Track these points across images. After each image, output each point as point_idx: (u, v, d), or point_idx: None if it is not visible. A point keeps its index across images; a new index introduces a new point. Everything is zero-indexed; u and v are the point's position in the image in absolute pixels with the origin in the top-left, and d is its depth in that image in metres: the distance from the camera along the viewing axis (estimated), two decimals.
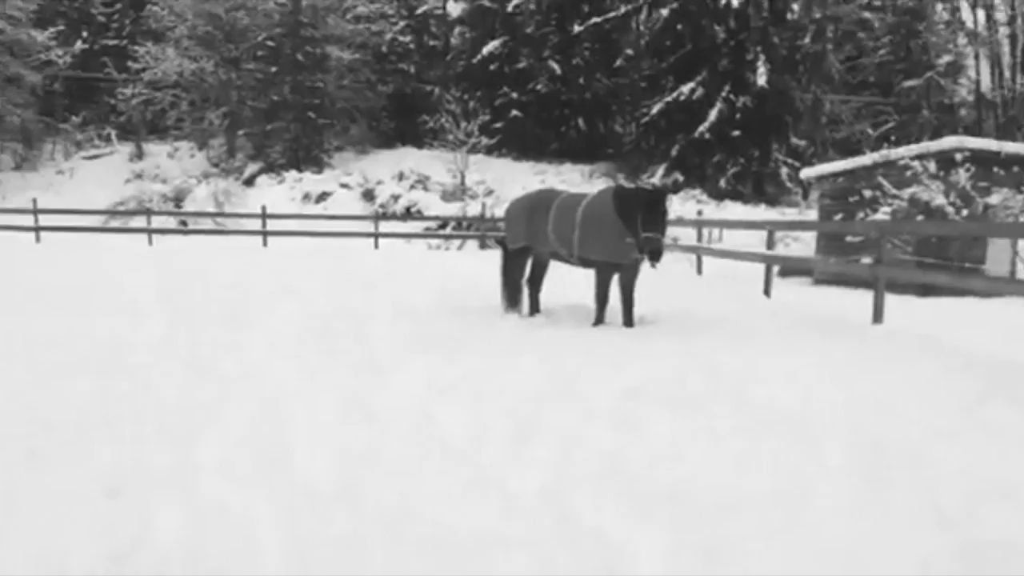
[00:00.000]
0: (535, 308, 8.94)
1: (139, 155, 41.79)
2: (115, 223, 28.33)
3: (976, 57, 49.61)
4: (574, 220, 8.06)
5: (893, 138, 23.56)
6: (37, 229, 22.48)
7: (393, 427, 4.16)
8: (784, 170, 36.97)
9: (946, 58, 47.33)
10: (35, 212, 22.69)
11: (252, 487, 3.25)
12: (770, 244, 11.81)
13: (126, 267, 13.37)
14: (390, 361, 5.88)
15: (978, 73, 49.53)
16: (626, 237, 7.65)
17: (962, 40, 49.42)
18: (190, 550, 2.67)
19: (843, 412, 4.49)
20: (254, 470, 3.46)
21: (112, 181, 37.63)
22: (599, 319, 8.07)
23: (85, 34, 45.86)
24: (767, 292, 11.48)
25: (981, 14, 48.13)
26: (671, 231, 19.14)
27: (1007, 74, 48.94)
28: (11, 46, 38.46)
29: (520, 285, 8.89)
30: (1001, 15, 46.46)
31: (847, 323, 8.35)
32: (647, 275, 8.28)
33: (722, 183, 36.52)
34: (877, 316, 8.49)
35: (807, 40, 39.56)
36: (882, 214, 14.27)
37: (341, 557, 2.64)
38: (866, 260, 9.99)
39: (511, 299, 8.86)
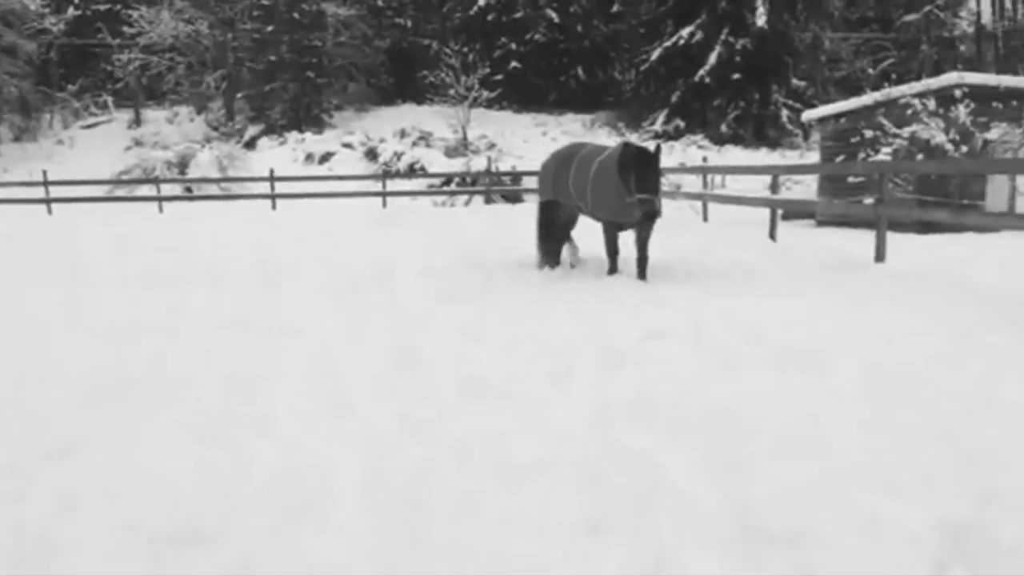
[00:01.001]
0: (556, 261, 9.05)
1: (137, 121, 41.78)
2: (121, 191, 28.55)
3: None
4: (588, 176, 8.17)
5: (894, 76, 23.62)
6: (48, 201, 22.76)
7: (440, 372, 4.54)
8: (785, 112, 36.98)
9: None
10: (45, 184, 22.94)
11: (325, 430, 3.65)
12: (774, 188, 12.11)
13: (151, 239, 13.68)
14: (425, 313, 6.27)
15: (979, 5, 48.98)
16: (627, 197, 7.69)
17: None
18: (281, 482, 3.07)
19: (851, 344, 4.86)
20: (325, 415, 3.86)
21: (112, 149, 37.70)
22: (612, 269, 8.23)
23: (77, 0, 45.41)
24: (772, 236, 11.81)
25: None
26: (676, 178, 19.42)
27: (1008, 4, 48.47)
28: (4, 15, 38.14)
29: (553, 239, 8.98)
30: None
31: (851, 263, 8.70)
32: (656, 223, 8.49)
33: (723, 128, 36.59)
34: (879, 255, 8.83)
35: None
36: (883, 154, 14.50)
37: (416, 480, 3.02)
38: (868, 201, 10.28)
39: (546, 253, 8.98)
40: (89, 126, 42.85)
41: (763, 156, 34.43)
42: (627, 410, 3.79)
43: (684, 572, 2.37)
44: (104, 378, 4.49)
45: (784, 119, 36.99)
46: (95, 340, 5.53)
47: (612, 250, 8.30)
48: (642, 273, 8.05)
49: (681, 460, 3.18)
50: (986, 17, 48.92)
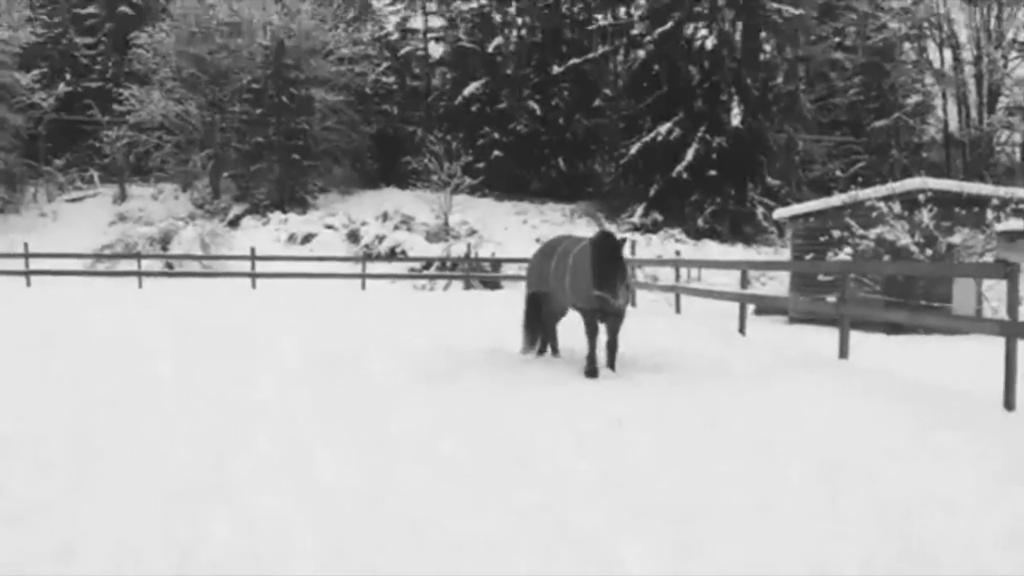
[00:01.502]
0: (542, 349, 9.15)
1: (123, 197, 42.04)
2: (102, 266, 28.61)
3: (943, 97, 50.97)
4: (566, 265, 8.21)
5: (860, 179, 24.39)
6: (27, 273, 22.78)
7: (404, 450, 4.65)
8: (760, 209, 37.95)
9: (914, 98, 48.86)
10: (26, 256, 23.00)
11: (289, 496, 3.73)
12: (744, 283, 12.44)
13: (133, 314, 13.74)
14: (395, 393, 6.38)
15: (945, 113, 50.92)
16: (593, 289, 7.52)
17: (929, 80, 50.86)
18: (242, 547, 3.14)
19: (808, 438, 5.02)
20: (290, 483, 3.95)
21: (96, 223, 37.83)
22: (590, 354, 7.92)
23: (68, 76, 46.03)
24: (742, 330, 12.06)
25: (948, 53, 49.60)
26: (652, 270, 19.81)
27: (973, 113, 50.46)
28: None
29: (537, 327, 9.04)
30: (967, 54, 47.93)
31: (815, 359, 8.93)
32: (629, 312, 8.72)
33: (700, 222, 37.40)
34: (843, 352, 9.08)
35: (780, 80, 40.88)
36: (844, 254, 14.96)
37: (370, 561, 3.10)
38: (831, 299, 10.61)
39: (528, 341, 9.08)
40: (74, 200, 43.03)
41: (739, 251, 35.16)
42: (586, 494, 3.90)
43: None
44: (73, 447, 4.55)
45: (759, 216, 37.93)
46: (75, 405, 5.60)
47: (590, 334, 8.06)
48: (611, 362, 7.97)
49: (634, 543, 3.29)
50: (953, 125, 50.84)
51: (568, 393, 6.61)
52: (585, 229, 38.42)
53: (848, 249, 15.06)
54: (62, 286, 22.15)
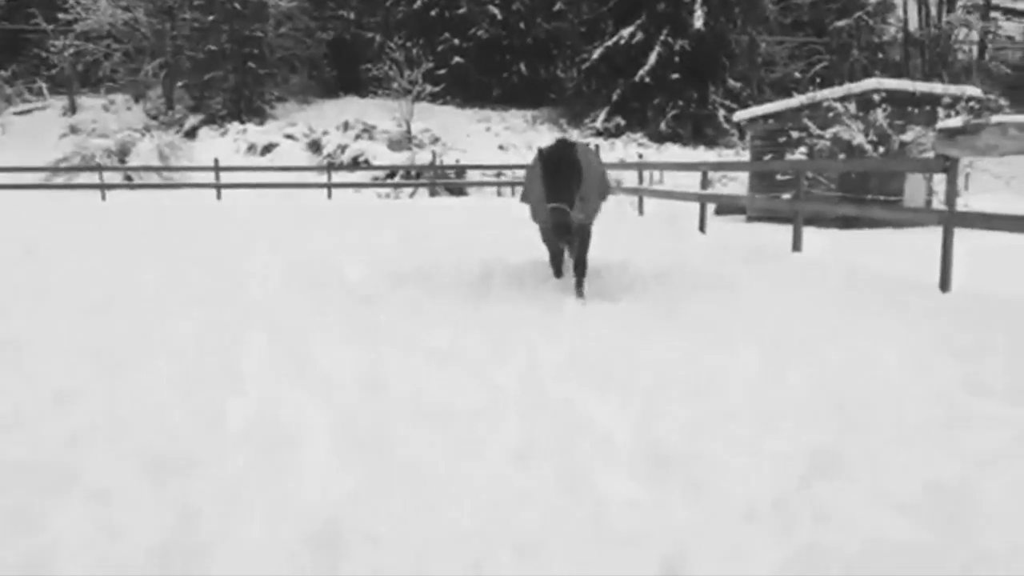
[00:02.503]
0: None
1: (73, 109, 41.00)
2: (59, 179, 28.19)
3: None
4: (530, 179, 7.68)
5: (820, 80, 24.70)
6: None
7: (390, 342, 5.05)
8: (721, 112, 38.14)
9: None
10: None
11: (296, 381, 4.14)
12: (704, 184, 12.85)
13: (110, 225, 13.82)
14: (375, 293, 6.76)
15: (906, 12, 50.80)
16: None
17: None
18: (264, 418, 3.56)
19: (754, 320, 5.50)
20: (295, 371, 4.35)
21: (47, 136, 36.95)
22: (556, 274, 7.77)
23: None
24: (702, 228, 12.53)
25: None
26: (616, 174, 20.12)
27: (933, 12, 50.51)
28: None
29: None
30: None
31: (770, 252, 9.42)
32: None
33: (662, 126, 37.58)
34: (796, 245, 9.59)
35: None
36: (799, 154, 15.39)
37: (373, 433, 3.52)
38: (786, 196, 11.06)
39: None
40: (22, 112, 41.89)
41: (701, 154, 35.53)
42: (558, 368, 4.36)
43: (599, 488, 2.92)
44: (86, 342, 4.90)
45: (721, 119, 38.14)
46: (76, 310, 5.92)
47: (551, 256, 7.79)
48: (579, 284, 7.09)
49: (603, 407, 3.75)
50: (913, 24, 50.85)
51: (537, 292, 7.03)
52: (547, 135, 38.39)
53: (803, 149, 15.48)
54: (22, 199, 21.90)
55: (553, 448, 3.28)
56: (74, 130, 37.22)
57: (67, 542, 2.50)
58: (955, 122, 7.19)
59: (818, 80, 23.87)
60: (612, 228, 11.90)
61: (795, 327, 5.34)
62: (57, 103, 41.89)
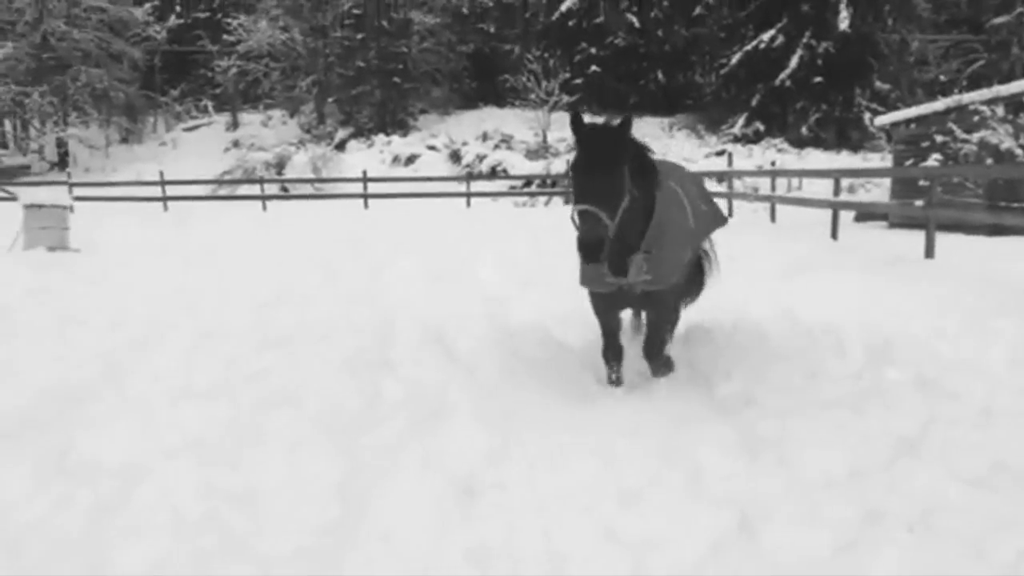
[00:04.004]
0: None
1: (235, 124, 44.30)
2: (223, 190, 30.60)
3: None
4: None
5: (976, 80, 23.66)
6: (165, 199, 24.82)
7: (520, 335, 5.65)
8: (868, 115, 36.85)
9: None
10: (162, 184, 25.00)
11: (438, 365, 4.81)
12: (836, 190, 12.80)
13: (279, 233, 15.31)
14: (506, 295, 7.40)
15: None
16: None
17: None
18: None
19: (866, 321, 5.74)
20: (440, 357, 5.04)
21: (212, 150, 40.10)
22: (609, 369, 4.85)
23: (179, 8, 48.16)
24: (834, 235, 12.51)
25: None
26: (751, 181, 19.96)
27: None
28: (113, 24, 40.77)
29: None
30: None
31: (899, 258, 9.42)
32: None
33: (804, 131, 36.71)
34: (929, 252, 9.53)
35: None
36: (932, 159, 14.95)
37: (507, 407, 4.10)
38: (919, 203, 10.91)
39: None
40: (190, 128, 45.59)
41: (844, 159, 34.48)
42: None
43: None
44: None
45: (867, 122, 36.86)
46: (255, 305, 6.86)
47: (604, 334, 4.83)
48: (653, 364, 4.82)
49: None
50: None
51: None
52: (685, 142, 38.30)
53: (937, 155, 15.04)
54: (194, 209, 24.05)
55: None
56: (236, 144, 40.18)
57: (268, 483, 3.20)
58: None
59: (975, 81, 22.89)
60: (739, 235, 12.11)
61: (907, 327, 5.55)
62: (221, 119, 45.38)
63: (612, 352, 4.75)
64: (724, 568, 2.59)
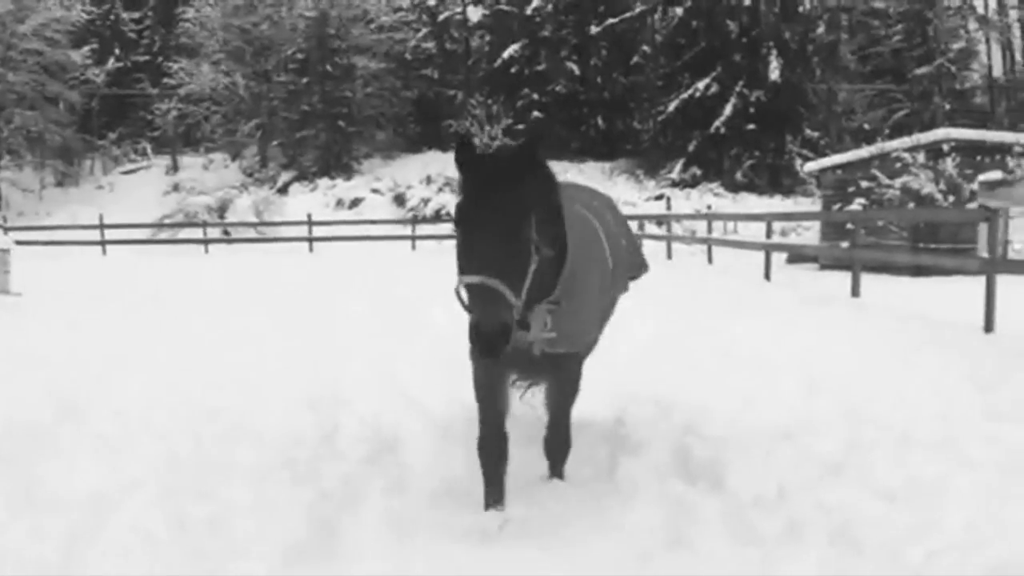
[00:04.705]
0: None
1: (175, 167, 43.83)
2: (164, 234, 30.28)
3: (987, 42, 50.17)
4: None
5: (900, 128, 24.92)
6: (103, 243, 24.51)
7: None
8: (799, 161, 38.24)
9: (958, 44, 48.08)
10: (101, 227, 24.69)
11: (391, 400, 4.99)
12: (768, 233, 13.42)
13: (219, 275, 15.22)
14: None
15: (989, 59, 50.21)
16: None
17: (973, 25, 50.00)
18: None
19: (796, 355, 6.12)
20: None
21: (151, 194, 39.58)
22: (485, 469, 3.50)
23: (118, 51, 47.55)
24: (767, 276, 13.07)
25: None
26: (689, 224, 20.60)
27: (1018, 57, 49.78)
28: (49, 67, 40.14)
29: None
30: None
31: (828, 297, 9.95)
32: (657, 265, 9.69)
33: (739, 175, 37.91)
34: (855, 292, 10.09)
35: (820, 31, 40.91)
36: (856, 204, 15.80)
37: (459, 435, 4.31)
38: (844, 244, 11.54)
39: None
40: (128, 172, 44.97)
41: (778, 203, 35.68)
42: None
43: None
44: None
45: (798, 168, 38.27)
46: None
47: (481, 417, 3.56)
48: (557, 463, 3.78)
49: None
50: (997, 70, 50.16)
51: None
52: (624, 186, 39.19)
53: (860, 200, 15.89)
54: (134, 254, 23.77)
55: None
56: (176, 188, 39.78)
57: (236, 507, 3.36)
58: (995, 175, 7.71)
59: (897, 129, 24.12)
60: (678, 275, 12.57)
61: (832, 363, 5.93)
62: (160, 163, 44.87)
63: (494, 448, 3.41)
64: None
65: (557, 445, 3.69)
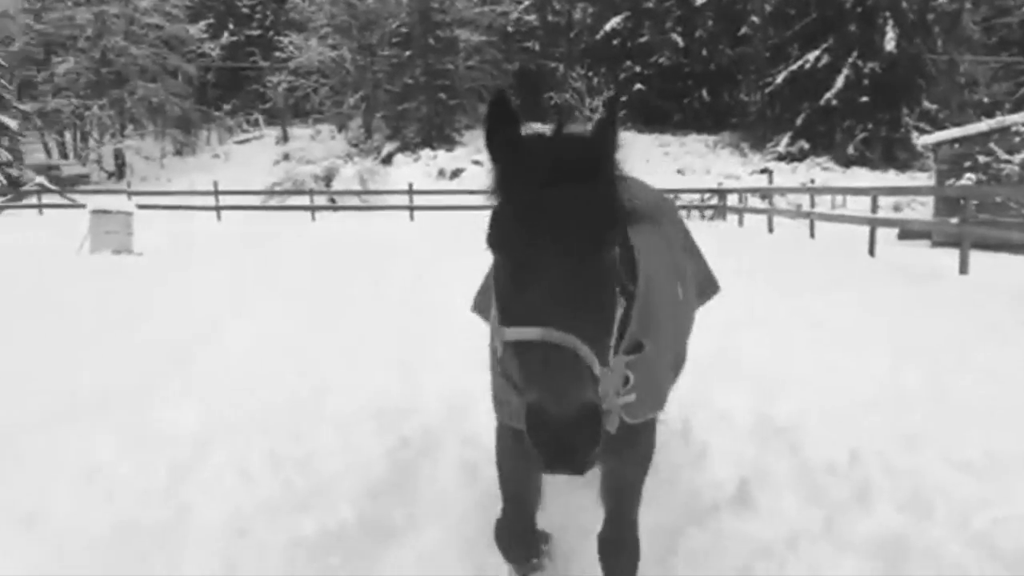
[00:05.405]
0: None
1: (285, 138, 45.40)
2: (273, 201, 31.36)
3: None
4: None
5: (1009, 105, 23.55)
6: (218, 208, 25.66)
7: None
8: (915, 135, 36.62)
9: None
10: (216, 193, 25.86)
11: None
12: (874, 208, 12.95)
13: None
14: None
15: None
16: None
17: None
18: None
19: (889, 329, 5.99)
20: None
21: (262, 163, 41.07)
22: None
23: (232, 26, 49.55)
24: (871, 251, 12.65)
25: None
26: (794, 198, 19.99)
27: None
28: (168, 40, 42.23)
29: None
30: None
31: (932, 274, 9.58)
32: (745, 233, 9.52)
33: (850, 149, 36.56)
34: (963, 268, 9.67)
35: (941, 0, 38.82)
36: (966, 179, 15.04)
37: None
38: (953, 220, 11.04)
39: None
40: (241, 142, 46.85)
41: (891, 178, 34.30)
42: None
43: None
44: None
45: (914, 141, 36.62)
46: None
47: (506, 504, 2.57)
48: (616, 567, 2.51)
49: None
50: None
51: None
52: (728, 159, 38.37)
53: (970, 175, 15.13)
54: (246, 219, 24.80)
55: None
56: (286, 157, 41.13)
57: (325, 449, 3.60)
58: None
59: (1007, 105, 22.80)
60: (777, 251, 12.31)
61: (922, 335, 5.80)
62: (271, 133, 46.57)
63: (521, 537, 2.50)
64: None
65: (620, 551, 2.48)
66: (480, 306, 2.98)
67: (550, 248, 1.65)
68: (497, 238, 1.74)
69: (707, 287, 3.38)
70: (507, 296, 1.74)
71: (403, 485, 3.28)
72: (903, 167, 36.35)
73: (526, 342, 1.63)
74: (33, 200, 27.99)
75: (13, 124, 36.03)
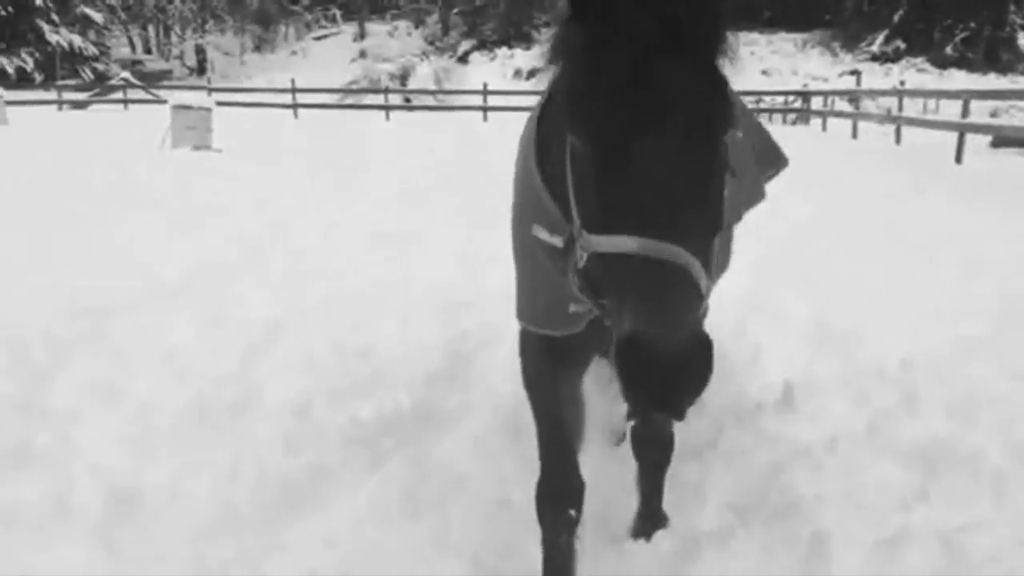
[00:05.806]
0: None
1: (362, 35, 45.14)
2: (350, 99, 31.53)
3: None
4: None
5: None
6: (295, 106, 25.97)
7: None
8: (1021, 34, 34.30)
9: None
10: (293, 91, 26.12)
11: None
12: (964, 113, 12.32)
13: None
14: None
15: None
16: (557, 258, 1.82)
17: None
18: None
19: (963, 238, 5.87)
20: None
21: (339, 60, 41.08)
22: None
23: None
24: (958, 159, 12.13)
25: None
26: (884, 101, 19.07)
27: None
28: None
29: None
30: None
31: (1020, 185, 9.19)
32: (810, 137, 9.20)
33: (948, 50, 34.50)
34: None
35: None
36: None
37: None
38: None
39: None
40: (319, 38, 46.77)
41: (991, 81, 32.35)
42: None
43: None
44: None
45: (1021, 42, 34.33)
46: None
47: (545, 442, 2.16)
48: (649, 480, 2.48)
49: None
50: None
51: None
52: (818, 60, 36.63)
53: None
54: (322, 117, 25.07)
55: None
56: (363, 55, 41.05)
57: (386, 340, 3.78)
58: None
59: None
60: (855, 157, 11.89)
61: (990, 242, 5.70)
62: (348, 29, 46.30)
63: (564, 471, 2.14)
64: None
65: (654, 442, 2.39)
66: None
67: (656, 136, 1.31)
68: (583, 122, 1.38)
69: (772, 158, 2.81)
70: (596, 196, 1.38)
71: (458, 375, 3.43)
72: (1004, 70, 34.15)
73: (623, 255, 1.32)
74: (119, 95, 28.72)
75: (98, 17, 36.70)
